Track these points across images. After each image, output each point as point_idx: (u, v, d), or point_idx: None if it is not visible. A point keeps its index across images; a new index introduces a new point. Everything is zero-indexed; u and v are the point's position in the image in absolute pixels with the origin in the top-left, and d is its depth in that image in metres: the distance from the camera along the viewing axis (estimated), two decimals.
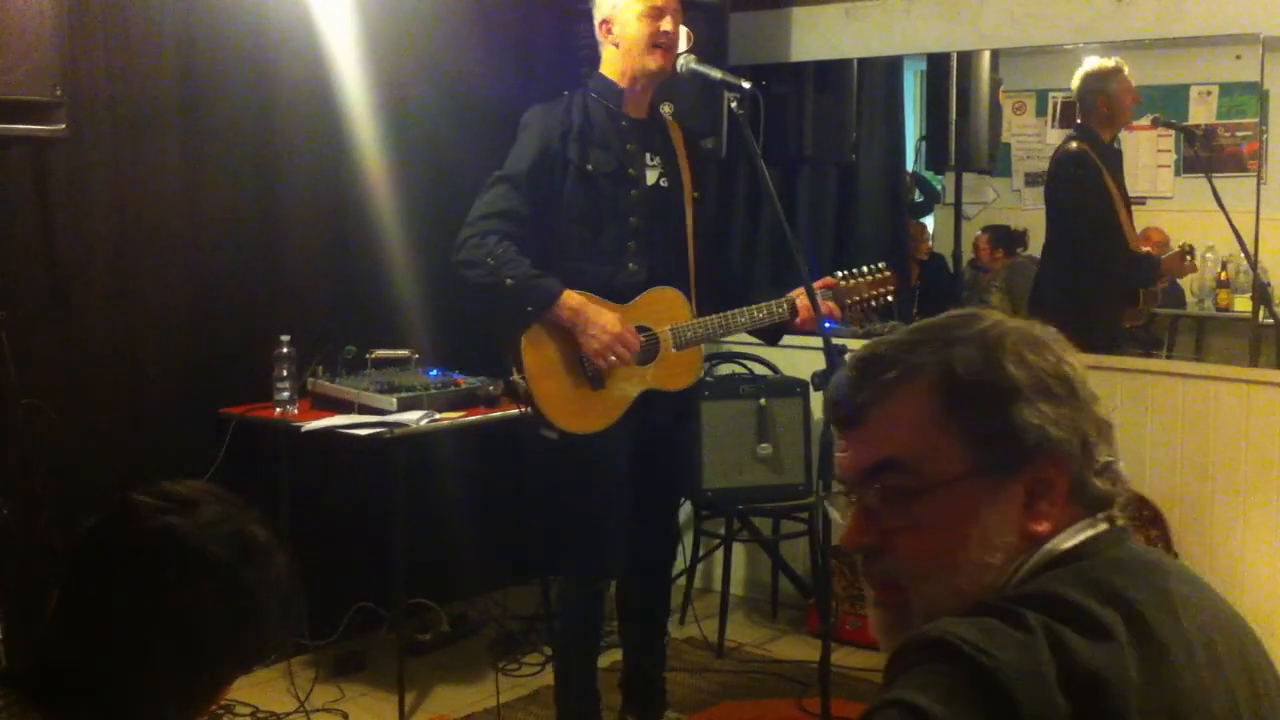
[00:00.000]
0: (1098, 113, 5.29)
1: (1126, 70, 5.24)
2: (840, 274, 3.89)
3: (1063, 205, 5.40)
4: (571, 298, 3.61)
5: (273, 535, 1.63)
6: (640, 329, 3.72)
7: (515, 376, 3.64)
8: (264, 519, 1.64)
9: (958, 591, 1.36)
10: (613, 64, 3.77)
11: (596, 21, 3.77)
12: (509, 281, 3.56)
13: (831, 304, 3.80)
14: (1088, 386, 1.41)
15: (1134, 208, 7.29)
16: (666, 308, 3.79)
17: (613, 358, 3.65)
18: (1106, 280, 5.11)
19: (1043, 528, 1.37)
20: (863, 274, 3.90)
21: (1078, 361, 1.42)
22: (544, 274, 3.61)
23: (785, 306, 3.77)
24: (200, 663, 1.55)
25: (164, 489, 1.60)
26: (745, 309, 3.79)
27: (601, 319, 3.63)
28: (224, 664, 1.58)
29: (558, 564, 3.93)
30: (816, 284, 3.71)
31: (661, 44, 3.70)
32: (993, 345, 1.40)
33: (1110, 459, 1.41)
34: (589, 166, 3.69)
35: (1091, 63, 5.31)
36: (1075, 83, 5.36)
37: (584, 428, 3.67)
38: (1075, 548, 1.37)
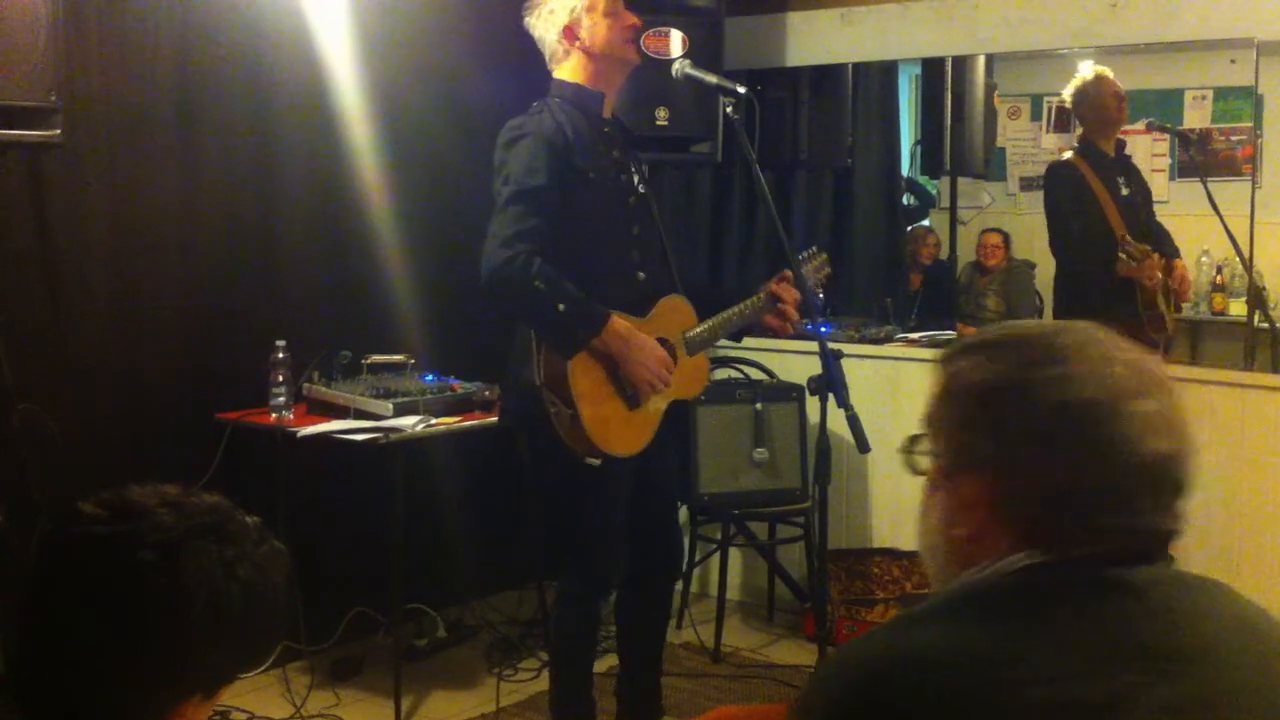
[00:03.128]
0: (1088, 122, 5.32)
1: (1109, 75, 5.25)
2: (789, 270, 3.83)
3: (1051, 214, 5.43)
4: (618, 323, 3.47)
5: (243, 550, 1.57)
6: (659, 340, 3.65)
7: (556, 408, 3.44)
8: (238, 532, 1.59)
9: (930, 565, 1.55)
10: (582, 70, 3.65)
11: (555, 31, 3.64)
12: (561, 307, 3.36)
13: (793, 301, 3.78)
14: (1123, 435, 1.40)
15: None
16: (676, 316, 3.74)
17: (660, 384, 3.57)
18: (1104, 289, 5.09)
19: (959, 532, 1.48)
20: (805, 259, 3.89)
21: (1139, 410, 1.41)
22: (589, 298, 3.44)
23: (763, 297, 3.77)
24: (132, 675, 1.51)
25: (116, 496, 1.57)
26: (735, 308, 3.77)
27: (647, 345, 3.53)
28: (161, 677, 1.53)
29: (558, 573, 3.87)
30: (777, 282, 3.77)
31: (632, 37, 3.66)
32: (1015, 363, 1.46)
33: (1101, 513, 1.42)
34: (592, 175, 3.59)
35: (1075, 76, 5.34)
36: (1067, 99, 5.38)
37: (630, 450, 3.57)
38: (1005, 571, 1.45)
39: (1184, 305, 7.33)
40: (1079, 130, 5.43)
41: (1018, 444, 1.44)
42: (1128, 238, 4.93)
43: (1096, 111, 5.26)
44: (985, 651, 1.35)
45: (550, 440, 3.50)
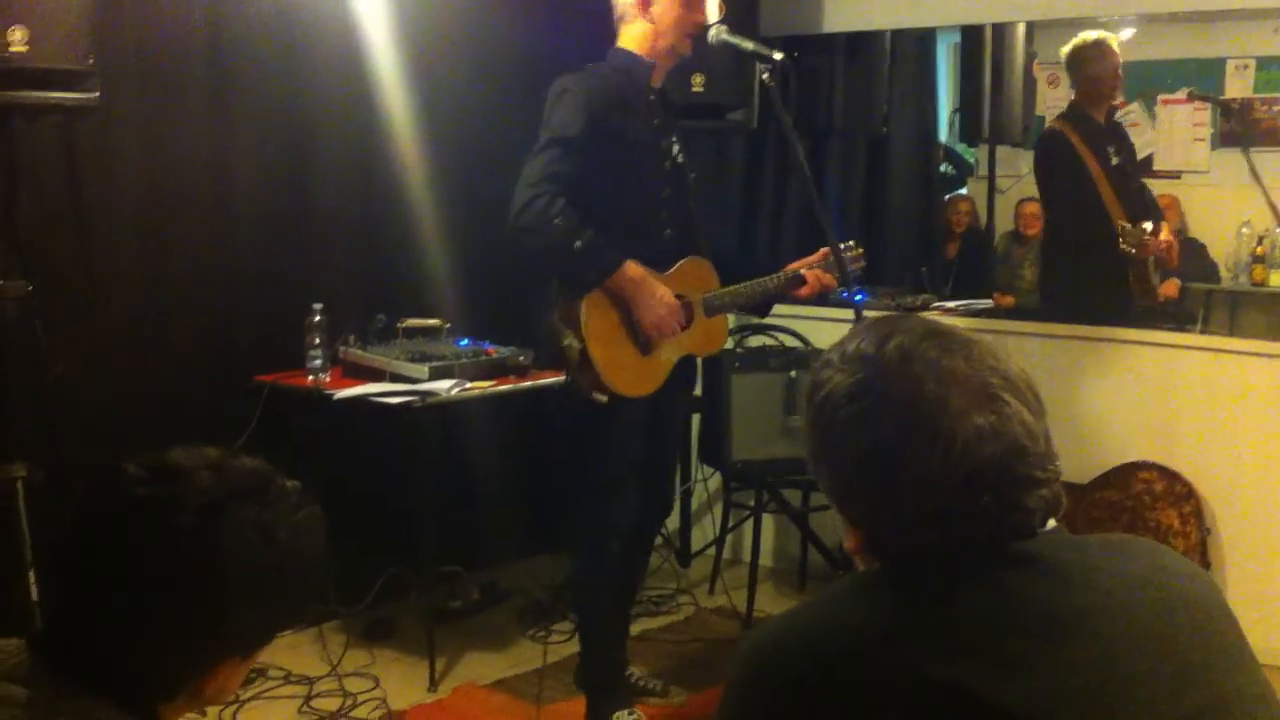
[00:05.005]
0: (1080, 88, 5.28)
1: (1113, 45, 5.17)
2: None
3: (1042, 187, 5.42)
4: (632, 268, 3.64)
5: (281, 513, 1.59)
6: (677, 296, 3.78)
7: (569, 340, 3.63)
8: (277, 495, 1.60)
9: None
10: (641, 40, 3.77)
11: None
12: (577, 245, 3.53)
13: (829, 276, 3.94)
14: (938, 462, 1.41)
15: (1169, 181, 7.22)
16: (698, 276, 3.89)
17: (664, 330, 3.72)
18: (1094, 259, 5.06)
19: (849, 545, 1.54)
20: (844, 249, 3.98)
21: (961, 429, 1.41)
22: (607, 242, 3.61)
23: (787, 277, 3.94)
24: (171, 635, 1.52)
25: (158, 458, 1.59)
26: (760, 279, 3.94)
27: (659, 291, 3.69)
28: (199, 637, 1.54)
29: (580, 527, 3.95)
30: (815, 256, 3.94)
31: (694, 33, 3.77)
32: (828, 406, 1.48)
33: (936, 528, 1.44)
34: (629, 135, 3.72)
35: (1076, 39, 5.28)
36: (1063, 58, 5.32)
37: (636, 392, 3.73)
38: None
39: (1210, 268, 7.25)
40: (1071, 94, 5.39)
41: (838, 485, 1.50)
42: (1125, 225, 4.89)
43: (1091, 81, 5.19)
44: (875, 630, 1.38)
45: (570, 381, 3.71)
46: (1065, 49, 5.23)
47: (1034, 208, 7.43)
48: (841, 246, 3.93)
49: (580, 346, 3.61)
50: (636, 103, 3.76)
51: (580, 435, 3.83)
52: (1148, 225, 5.00)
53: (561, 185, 3.54)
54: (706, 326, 3.91)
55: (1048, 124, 5.51)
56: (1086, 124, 5.15)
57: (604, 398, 3.66)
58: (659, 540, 4.93)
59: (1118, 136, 5.27)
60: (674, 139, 3.90)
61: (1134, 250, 4.82)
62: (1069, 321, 5.00)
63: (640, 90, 3.78)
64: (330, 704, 4.12)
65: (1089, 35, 5.17)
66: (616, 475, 3.81)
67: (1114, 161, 5.14)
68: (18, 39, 3.47)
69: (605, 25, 3.85)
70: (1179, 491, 4.65)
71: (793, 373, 4.88)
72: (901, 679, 1.33)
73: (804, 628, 1.46)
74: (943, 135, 7.56)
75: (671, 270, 3.80)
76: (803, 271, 3.93)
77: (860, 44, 5.91)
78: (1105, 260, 4.92)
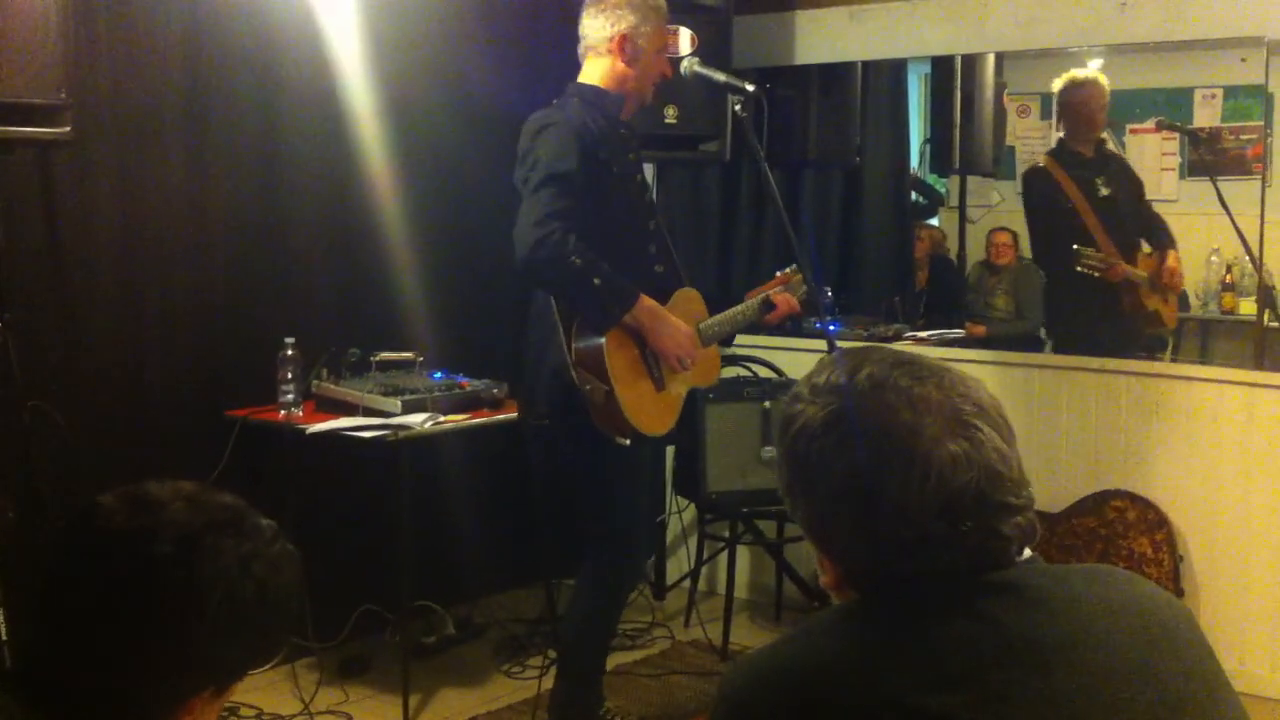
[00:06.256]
0: (1066, 123, 5.37)
1: (1100, 82, 5.28)
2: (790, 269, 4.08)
3: (1029, 221, 5.49)
4: (647, 299, 3.59)
5: (258, 546, 1.58)
6: None
7: (590, 385, 3.49)
8: (251, 528, 1.60)
9: None
10: (609, 76, 3.73)
11: (610, 29, 3.71)
12: (596, 281, 3.44)
13: (794, 299, 4.01)
14: (917, 488, 1.42)
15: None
16: (691, 307, 3.88)
17: (687, 360, 3.69)
18: (1089, 290, 5.12)
19: (825, 580, 1.56)
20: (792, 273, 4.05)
21: (937, 454, 1.42)
22: (621, 276, 3.54)
23: (757, 305, 3.99)
24: (148, 668, 1.51)
25: (134, 490, 1.58)
26: (743, 305, 3.96)
27: (673, 320, 3.67)
28: (175, 670, 1.54)
29: (589, 559, 3.90)
30: (776, 281, 4.01)
31: (658, 82, 3.80)
32: (784, 419, 1.53)
33: (915, 556, 1.45)
34: (615, 169, 3.68)
35: (1063, 76, 5.37)
36: (1054, 92, 5.41)
37: (658, 430, 3.69)
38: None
39: (1180, 296, 7.29)
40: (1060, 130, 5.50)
41: (816, 517, 1.50)
42: (1080, 249, 4.95)
43: (1075, 116, 5.32)
44: (858, 662, 1.38)
45: (586, 425, 3.57)
46: (1056, 84, 5.32)
47: (1005, 237, 7.44)
48: (797, 275, 3.99)
49: (606, 389, 3.51)
50: (611, 135, 3.72)
51: (600, 475, 3.73)
52: (1146, 249, 5.07)
53: (567, 221, 3.44)
54: (704, 356, 3.89)
55: (1033, 164, 5.60)
56: (1072, 158, 5.22)
57: (627, 440, 3.57)
58: None
59: (1109, 168, 5.33)
60: (644, 172, 3.91)
61: (1096, 272, 4.87)
62: (1079, 353, 5.03)
63: (614, 124, 3.74)
64: None
65: (1075, 72, 5.26)
66: (636, 512, 3.82)
67: (1102, 193, 5.20)
68: None
69: (577, 66, 3.83)
70: (1152, 519, 4.66)
71: (766, 403, 4.88)
72: (885, 711, 1.33)
73: (786, 662, 1.45)
74: (913, 165, 7.58)
75: (668, 304, 3.76)
76: (771, 296, 3.95)
77: (833, 75, 5.94)
78: (1101, 290, 4.97)
